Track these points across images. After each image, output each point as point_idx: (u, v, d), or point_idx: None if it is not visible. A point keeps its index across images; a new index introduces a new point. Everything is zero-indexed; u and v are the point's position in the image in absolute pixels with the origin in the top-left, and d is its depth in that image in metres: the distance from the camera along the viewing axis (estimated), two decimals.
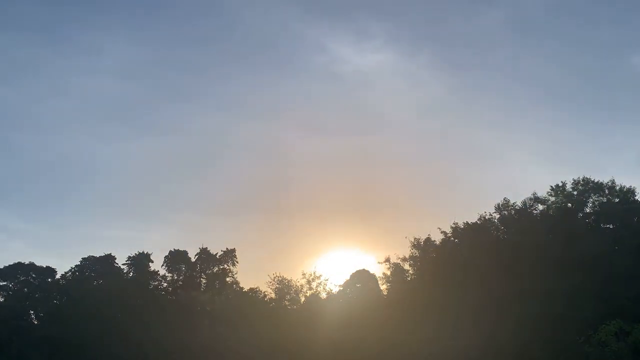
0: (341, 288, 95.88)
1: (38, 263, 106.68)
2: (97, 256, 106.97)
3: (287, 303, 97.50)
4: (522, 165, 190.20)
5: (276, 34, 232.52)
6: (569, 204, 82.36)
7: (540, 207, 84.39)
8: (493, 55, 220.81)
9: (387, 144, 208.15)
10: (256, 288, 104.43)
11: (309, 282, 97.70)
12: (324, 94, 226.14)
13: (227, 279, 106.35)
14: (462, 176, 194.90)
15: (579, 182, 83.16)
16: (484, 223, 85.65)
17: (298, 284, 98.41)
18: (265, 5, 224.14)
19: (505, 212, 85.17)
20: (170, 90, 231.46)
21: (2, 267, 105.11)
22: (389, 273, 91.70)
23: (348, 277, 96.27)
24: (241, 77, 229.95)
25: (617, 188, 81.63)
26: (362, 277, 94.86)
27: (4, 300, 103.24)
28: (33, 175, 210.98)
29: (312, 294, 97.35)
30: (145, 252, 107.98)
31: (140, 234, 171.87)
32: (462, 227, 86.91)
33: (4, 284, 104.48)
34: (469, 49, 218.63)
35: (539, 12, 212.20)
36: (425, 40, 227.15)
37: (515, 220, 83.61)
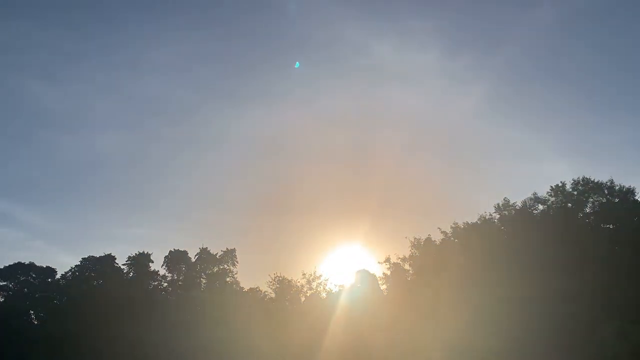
0: (341, 288, 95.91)
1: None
2: (97, 256, 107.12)
3: (287, 303, 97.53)
4: (556, 172, 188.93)
5: (319, 31, 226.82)
6: (569, 204, 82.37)
7: (540, 207, 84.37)
8: (538, 55, 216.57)
9: (411, 143, 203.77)
10: (256, 288, 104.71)
11: (309, 282, 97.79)
12: (351, 89, 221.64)
13: (227, 279, 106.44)
14: (494, 177, 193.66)
15: (578, 182, 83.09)
16: (484, 223, 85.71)
17: (298, 284, 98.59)
18: (308, 3, 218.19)
19: (506, 212, 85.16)
20: (200, 87, 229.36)
21: (2, 267, 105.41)
22: (389, 273, 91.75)
23: (348, 277, 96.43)
24: (264, 75, 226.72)
25: (617, 188, 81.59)
26: (363, 277, 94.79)
27: (4, 300, 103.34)
28: (64, 174, 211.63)
29: (312, 294, 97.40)
30: (145, 252, 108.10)
31: (158, 232, 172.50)
32: (462, 227, 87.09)
33: (4, 284, 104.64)
34: (515, 49, 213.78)
35: (585, 14, 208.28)
36: (469, 40, 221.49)
37: (515, 221, 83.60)
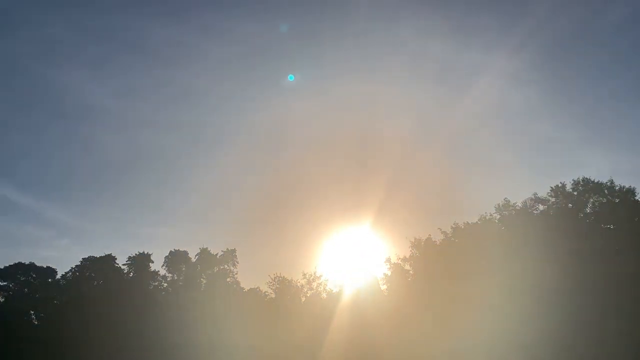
0: (342, 288, 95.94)
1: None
2: (97, 256, 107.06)
3: (287, 304, 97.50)
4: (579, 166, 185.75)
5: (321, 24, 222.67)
6: (569, 205, 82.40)
7: (541, 207, 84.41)
8: (602, 55, 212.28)
9: (419, 138, 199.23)
10: (256, 288, 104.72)
11: (309, 282, 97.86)
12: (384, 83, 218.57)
13: (227, 279, 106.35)
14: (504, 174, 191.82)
15: (579, 182, 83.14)
16: (484, 223, 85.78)
17: (298, 285, 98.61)
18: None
19: (506, 213, 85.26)
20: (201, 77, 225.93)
21: (2, 267, 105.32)
22: (389, 273, 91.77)
23: (349, 278, 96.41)
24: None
25: (617, 188, 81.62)
26: (363, 277, 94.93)
27: (4, 300, 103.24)
28: (96, 172, 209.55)
29: (313, 294, 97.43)
30: (145, 252, 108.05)
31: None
32: (462, 227, 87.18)
33: (4, 284, 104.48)
34: (577, 49, 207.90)
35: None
36: (530, 39, 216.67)
37: (516, 221, 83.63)
